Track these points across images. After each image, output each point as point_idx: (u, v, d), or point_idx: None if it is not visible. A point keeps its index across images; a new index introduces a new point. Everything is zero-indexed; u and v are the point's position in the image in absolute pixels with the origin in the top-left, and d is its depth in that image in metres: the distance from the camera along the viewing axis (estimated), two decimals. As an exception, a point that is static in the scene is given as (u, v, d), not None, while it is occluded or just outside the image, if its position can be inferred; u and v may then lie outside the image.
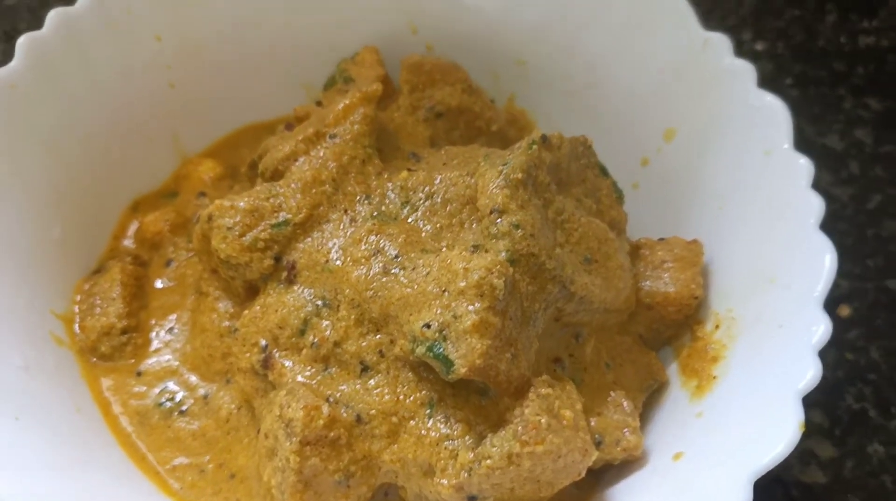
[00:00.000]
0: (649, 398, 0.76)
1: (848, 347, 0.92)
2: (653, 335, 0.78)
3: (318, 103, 0.88)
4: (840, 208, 1.02)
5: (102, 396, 0.75)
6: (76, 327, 0.79)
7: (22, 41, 0.79)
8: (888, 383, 0.90)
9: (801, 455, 0.85)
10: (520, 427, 0.61)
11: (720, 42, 0.82)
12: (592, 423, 0.68)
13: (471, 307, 0.62)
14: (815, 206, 0.71)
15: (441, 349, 0.62)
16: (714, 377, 0.71)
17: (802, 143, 0.76)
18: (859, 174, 1.06)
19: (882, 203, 1.03)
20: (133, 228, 0.87)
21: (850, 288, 0.96)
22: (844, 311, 0.95)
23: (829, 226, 0.70)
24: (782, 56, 1.17)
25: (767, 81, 0.80)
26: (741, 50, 0.80)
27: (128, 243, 0.86)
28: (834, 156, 1.07)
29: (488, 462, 0.61)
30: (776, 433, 0.60)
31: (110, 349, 0.78)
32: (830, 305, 0.67)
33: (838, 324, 0.65)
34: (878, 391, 0.89)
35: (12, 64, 0.78)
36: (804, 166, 0.74)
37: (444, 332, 0.63)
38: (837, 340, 0.73)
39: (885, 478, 0.84)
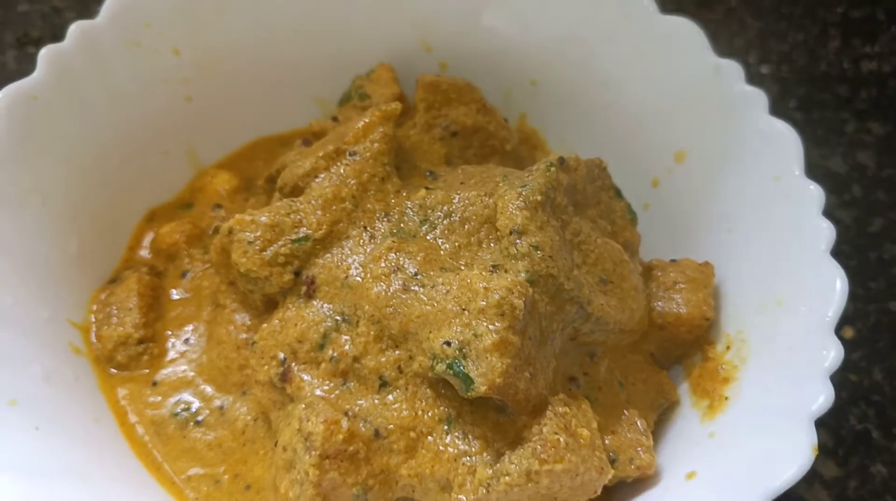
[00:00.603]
0: (660, 418, 0.77)
1: (851, 368, 0.93)
2: (664, 355, 0.79)
3: (335, 119, 0.90)
4: (843, 230, 1.04)
5: (119, 405, 0.76)
6: (93, 336, 0.79)
7: (44, 53, 0.80)
8: (891, 404, 0.91)
9: (805, 474, 0.86)
10: (538, 445, 0.62)
11: (732, 68, 0.84)
12: (606, 441, 0.68)
13: (491, 327, 0.63)
14: (826, 232, 0.73)
15: (461, 367, 0.63)
16: (726, 398, 0.72)
17: (806, 166, 0.78)
18: (861, 198, 1.07)
19: (884, 227, 1.05)
20: (148, 238, 0.87)
21: (853, 310, 0.97)
22: (848, 333, 0.96)
23: (832, 249, 0.72)
24: (787, 79, 1.19)
25: (772, 104, 0.81)
26: (746, 72, 0.82)
27: (143, 253, 0.87)
28: (837, 179, 1.09)
29: (507, 478, 0.62)
30: (789, 455, 0.61)
31: (126, 359, 0.78)
32: (836, 333, 0.68)
33: (842, 346, 0.67)
34: (881, 412, 0.91)
35: (34, 76, 0.79)
36: (814, 193, 0.75)
37: (464, 350, 0.64)
38: (841, 361, 0.75)
39: (887, 498, 0.85)
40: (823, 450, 0.88)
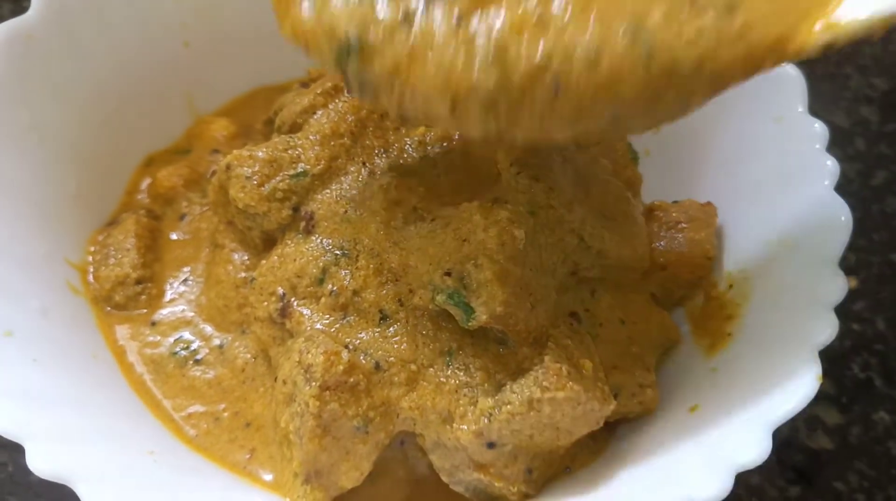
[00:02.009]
0: (663, 356, 0.76)
1: (854, 318, 0.93)
2: (666, 295, 0.78)
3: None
4: (846, 183, 1.03)
5: (117, 344, 0.75)
6: (90, 277, 0.79)
7: (38, -9, 0.79)
8: (894, 353, 0.91)
9: (808, 420, 0.86)
10: (540, 373, 0.61)
11: (735, 10, 0.83)
12: (609, 377, 0.68)
13: (492, 257, 0.63)
14: (831, 168, 0.72)
15: (462, 297, 0.63)
16: (728, 334, 0.72)
17: (809, 116, 0.77)
18: (865, 151, 1.07)
19: (887, 180, 1.04)
20: (146, 183, 0.87)
21: (856, 261, 0.97)
22: (851, 283, 0.95)
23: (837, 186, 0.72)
24: (790, 35, 1.18)
25: (774, 59, 0.80)
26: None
27: (141, 197, 0.86)
28: (840, 133, 1.08)
29: (508, 407, 0.61)
30: (794, 384, 0.61)
31: (124, 299, 0.78)
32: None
33: (845, 295, 0.66)
34: (883, 361, 0.90)
35: (29, 14, 0.78)
36: (819, 130, 0.75)
37: (464, 280, 0.63)
38: (844, 311, 0.75)
39: (890, 445, 0.85)
40: (826, 397, 0.88)
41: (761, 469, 0.60)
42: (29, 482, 0.79)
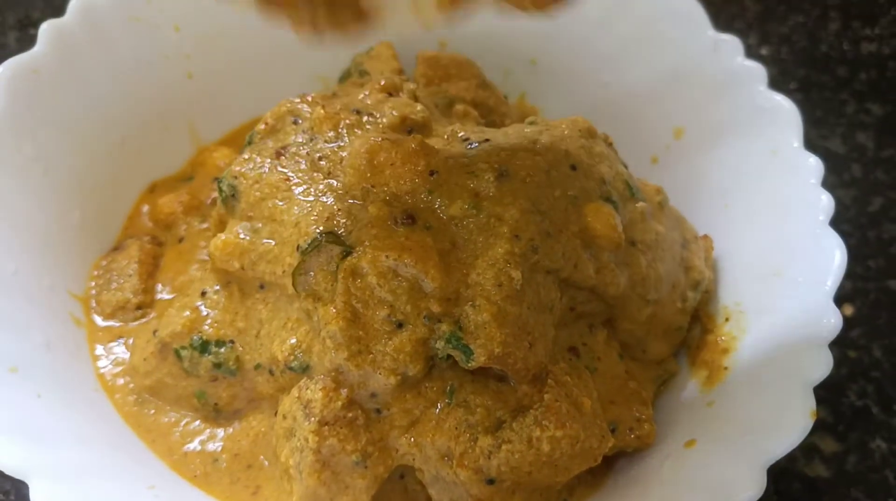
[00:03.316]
0: (660, 389, 0.77)
1: (851, 345, 0.94)
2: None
3: (334, 94, 0.89)
4: (842, 210, 1.04)
5: (106, 381, 0.75)
6: (93, 302, 0.80)
7: (45, 28, 0.80)
8: (890, 381, 0.91)
9: (805, 449, 0.86)
10: (540, 412, 0.62)
11: (731, 43, 0.84)
12: (606, 411, 0.69)
13: (489, 298, 0.63)
14: (825, 203, 0.73)
15: (459, 339, 0.63)
16: (725, 368, 0.72)
17: (806, 145, 0.78)
18: (861, 177, 1.07)
19: (883, 206, 1.05)
20: (146, 208, 0.88)
21: (852, 288, 0.98)
22: (847, 310, 0.96)
23: (832, 227, 0.72)
24: (786, 61, 1.19)
25: (772, 85, 0.82)
26: (746, 54, 0.83)
27: (144, 222, 0.87)
28: (836, 159, 1.09)
29: (508, 445, 0.62)
30: (788, 421, 0.61)
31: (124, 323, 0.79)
32: (834, 304, 0.69)
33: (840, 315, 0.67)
34: (880, 389, 0.91)
35: (35, 49, 0.79)
36: (813, 164, 0.76)
37: (460, 322, 0.64)
38: (840, 338, 0.75)
39: (887, 473, 0.85)
40: (823, 425, 0.88)
41: (759, 498, 0.60)
42: (32, 510, 0.80)
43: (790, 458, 0.86)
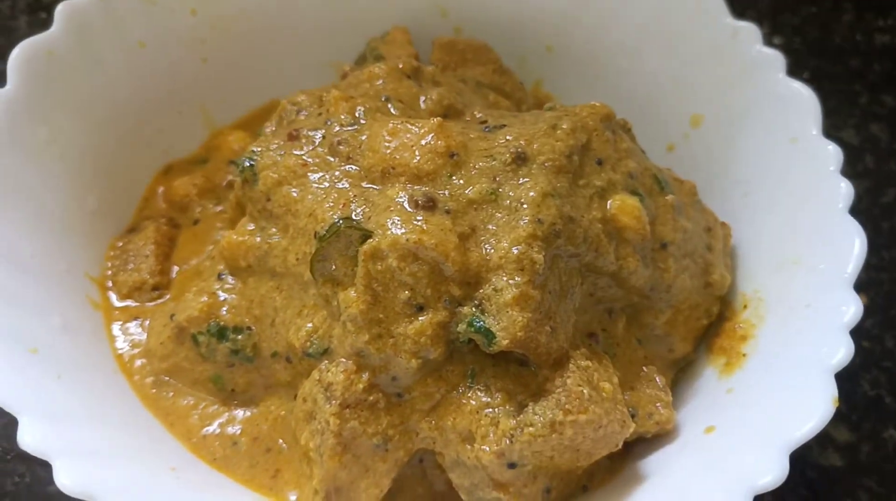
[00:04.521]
0: (677, 376, 0.77)
1: (864, 335, 0.94)
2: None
3: (344, 75, 0.88)
4: (856, 201, 1.03)
5: (125, 363, 0.76)
6: (109, 282, 0.80)
7: (61, 9, 0.80)
8: (903, 370, 0.91)
9: (818, 438, 0.85)
10: (562, 397, 0.62)
11: (750, 31, 0.84)
12: (626, 397, 0.69)
13: (511, 281, 0.63)
14: (844, 190, 0.73)
15: (481, 322, 0.63)
16: (743, 355, 0.72)
17: (820, 132, 0.78)
18: (874, 169, 1.07)
19: (896, 197, 1.05)
20: (161, 190, 0.88)
21: (866, 278, 0.97)
22: (861, 300, 0.96)
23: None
24: (799, 51, 1.19)
25: (784, 74, 0.81)
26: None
27: (158, 204, 0.87)
28: (850, 150, 1.08)
29: (531, 429, 0.62)
30: (810, 407, 0.61)
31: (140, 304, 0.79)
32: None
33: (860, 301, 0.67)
34: (893, 379, 0.91)
35: (51, 31, 0.79)
36: (832, 152, 0.76)
37: (482, 305, 0.64)
38: (854, 328, 0.76)
39: (900, 462, 0.86)
40: (836, 415, 0.86)
41: (764, 491, 0.60)
42: (47, 493, 0.80)
43: (804, 447, 0.85)
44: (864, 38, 1.20)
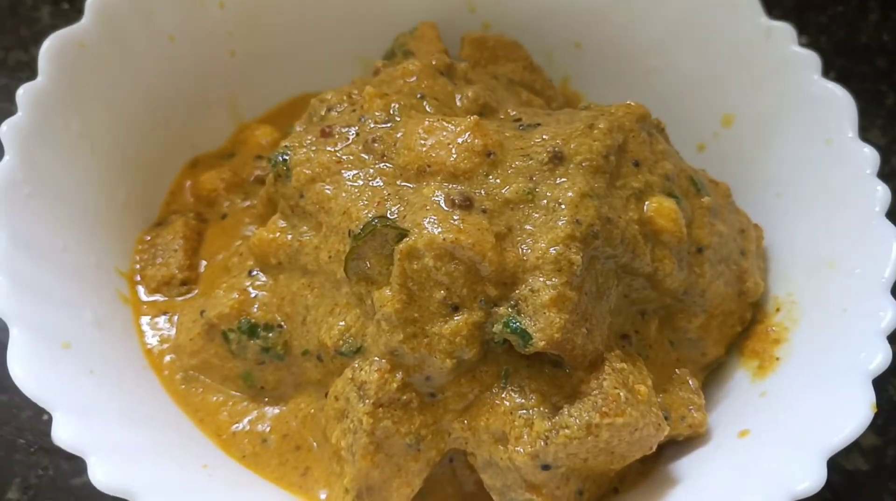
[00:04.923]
0: (709, 378, 0.77)
1: (891, 339, 0.93)
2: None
3: (376, 72, 0.88)
4: (883, 202, 1.03)
5: (154, 358, 0.75)
6: (137, 276, 0.80)
7: (91, 1, 0.79)
8: (931, 374, 0.91)
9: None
10: (599, 399, 0.62)
11: (784, 30, 0.83)
12: (659, 399, 0.68)
13: (549, 282, 0.63)
14: (881, 194, 0.72)
15: (517, 323, 0.63)
16: (777, 359, 0.72)
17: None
18: (902, 169, 1.07)
19: (924, 199, 1.04)
20: (188, 184, 0.88)
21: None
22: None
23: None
24: (825, 51, 1.16)
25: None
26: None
27: (185, 198, 0.87)
28: (876, 151, 1.08)
29: (566, 431, 0.61)
30: (848, 412, 0.61)
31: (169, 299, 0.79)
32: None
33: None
34: (920, 383, 0.90)
35: (81, 23, 0.78)
36: (869, 155, 0.75)
37: (518, 306, 0.63)
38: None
39: (926, 467, 0.85)
40: None
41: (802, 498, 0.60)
42: (70, 486, 0.80)
43: (829, 450, 0.86)
44: (890, 38, 1.19)
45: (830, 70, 1.16)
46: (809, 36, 1.19)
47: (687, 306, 0.73)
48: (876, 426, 0.88)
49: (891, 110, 1.12)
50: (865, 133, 1.10)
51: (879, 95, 1.13)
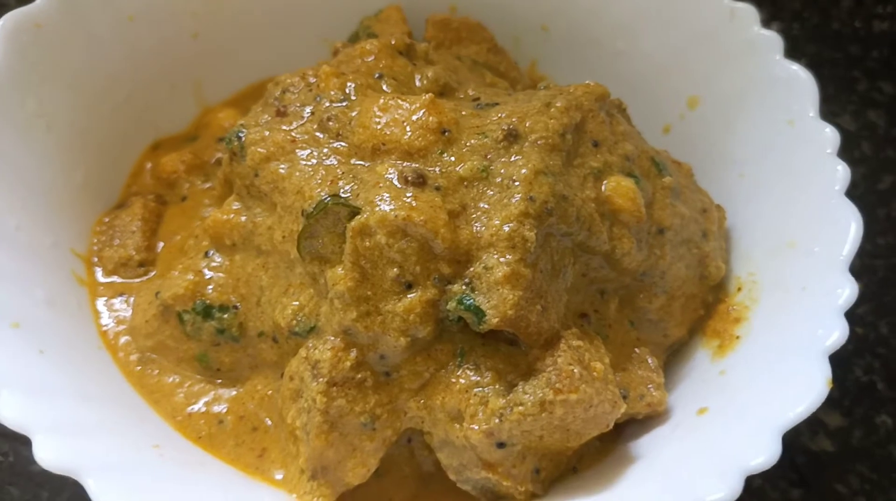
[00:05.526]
0: (670, 358, 0.76)
1: (858, 321, 0.93)
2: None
3: (335, 52, 0.87)
4: (852, 187, 1.02)
5: (109, 339, 0.75)
6: (94, 258, 0.79)
7: (48, -20, 0.78)
8: (897, 357, 0.91)
9: (809, 423, 0.85)
10: (553, 376, 0.61)
11: (747, 12, 0.83)
12: (617, 378, 0.68)
13: (502, 259, 0.62)
14: (841, 173, 0.72)
15: (471, 300, 0.62)
16: (737, 337, 0.72)
17: (816, 119, 0.77)
18: (871, 155, 1.07)
19: (893, 184, 1.04)
20: (149, 166, 0.87)
21: (860, 265, 0.97)
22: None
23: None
24: (798, 37, 1.18)
25: (782, 59, 0.80)
26: (759, 20, 0.82)
27: (146, 181, 0.86)
28: (847, 137, 1.07)
29: (520, 408, 0.61)
30: (804, 388, 0.61)
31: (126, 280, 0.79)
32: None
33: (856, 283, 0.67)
34: (886, 365, 0.90)
35: (37, 2, 0.77)
36: (830, 135, 0.75)
37: (472, 283, 0.63)
38: (847, 314, 0.75)
39: (891, 448, 0.85)
40: (828, 400, 0.85)
41: (763, 472, 0.60)
42: (30, 472, 0.79)
43: (795, 432, 0.84)
44: (863, 25, 1.19)
45: (802, 56, 1.15)
46: (782, 22, 1.19)
47: (647, 286, 0.73)
48: (842, 407, 0.88)
49: (862, 96, 1.12)
50: (836, 119, 1.10)
51: (851, 82, 1.13)
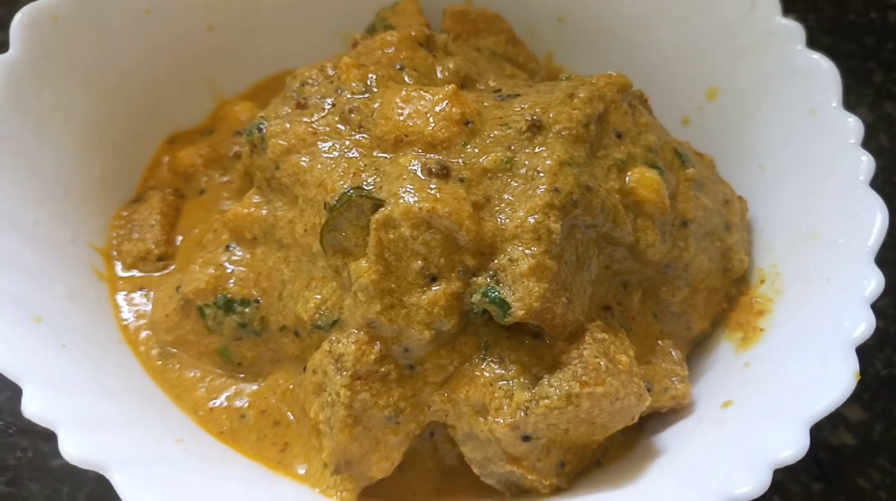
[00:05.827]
0: (693, 351, 0.76)
1: (878, 314, 0.91)
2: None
3: (355, 44, 0.86)
4: (869, 179, 1.02)
5: (130, 334, 0.74)
6: (113, 252, 0.79)
7: (64, -28, 0.78)
8: (917, 350, 0.90)
9: (830, 417, 0.84)
10: (579, 368, 0.61)
11: (768, 2, 0.82)
12: (641, 371, 0.67)
13: (527, 251, 0.62)
14: (865, 164, 0.72)
15: (496, 293, 0.62)
16: (761, 330, 0.71)
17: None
18: (888, 147, 1.06)
19: (911, 176, 1.03)
20: (166, 160, 0.86)
21: (880, 257, 0.96)
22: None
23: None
24: (813, 28, 1.16)
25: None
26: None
27: (163, 174, 0.86)
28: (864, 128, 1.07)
29: (546, 401, 0.60)
30: (831, 380, 0.60)
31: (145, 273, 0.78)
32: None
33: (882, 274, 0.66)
34: (907, 358, 0.90)
35: (54, -6, 0.77)
36: (853, 125, 0.74)
37: (497, 276, 0.62)
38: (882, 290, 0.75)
39: (913, 441, 0.85)
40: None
41: (784, 466, 0.59)
42: (49, 467, 0.79)
43: (816, 426, 0.85)
44: (878, 16, 1.18)
45: (818, 48, 1.14)
46: (797, 13, 1.18)
47: (670, 278, 0.72)
48: (863, 400, 0.87)
49: (878, 88, 1.11)
50: (852, 111, 1.08)
51: (867, 73, 1.12)
